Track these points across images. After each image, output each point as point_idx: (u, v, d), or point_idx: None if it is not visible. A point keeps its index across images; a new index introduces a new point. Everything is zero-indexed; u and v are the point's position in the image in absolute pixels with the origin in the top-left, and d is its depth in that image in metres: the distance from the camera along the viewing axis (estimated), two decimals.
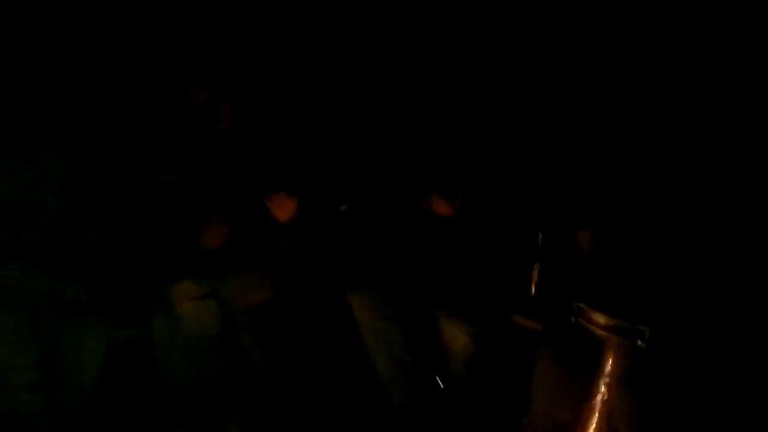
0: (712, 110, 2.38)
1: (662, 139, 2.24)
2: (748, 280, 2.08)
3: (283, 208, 2.35)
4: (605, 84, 2.55)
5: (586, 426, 1.95)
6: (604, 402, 1.96)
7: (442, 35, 2.69)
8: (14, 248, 2.10)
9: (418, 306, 2.44)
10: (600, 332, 1.97)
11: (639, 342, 1.91)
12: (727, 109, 2.37)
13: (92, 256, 2.22)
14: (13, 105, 2.20)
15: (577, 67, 2.64)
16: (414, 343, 2.42)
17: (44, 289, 2.10)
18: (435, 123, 2.53)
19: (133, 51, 2.61)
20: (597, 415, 1.96)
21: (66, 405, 2.10)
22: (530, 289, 2.43)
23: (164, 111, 2.53)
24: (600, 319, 1.97)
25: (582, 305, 2.01)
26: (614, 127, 2.37)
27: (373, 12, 2.80)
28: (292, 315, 2.53)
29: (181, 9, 2.69)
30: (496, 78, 2.57)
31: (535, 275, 2.45)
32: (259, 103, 2.55)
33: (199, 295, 2.38)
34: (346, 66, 2.80)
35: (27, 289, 2.05)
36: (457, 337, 2.33)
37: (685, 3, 2.47)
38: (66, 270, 2.15)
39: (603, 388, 1.97)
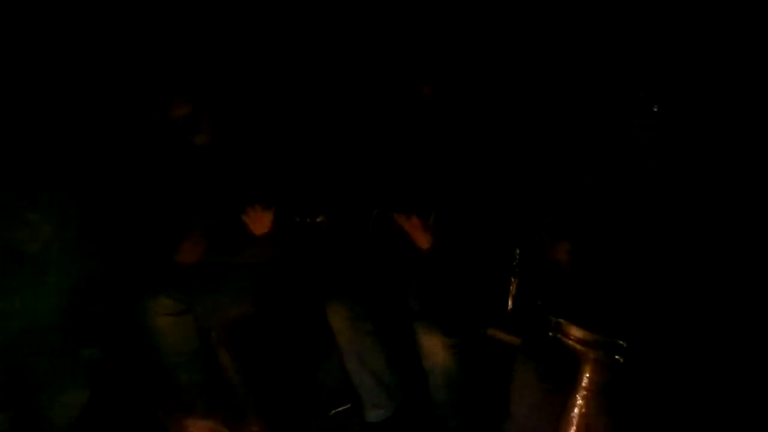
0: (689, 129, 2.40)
1: (638, 154, 2.24)
2: (726, 293, 2.09)
3: (260, 222, 2.33)
4: (577, 102, 2.56)
5: None
6: (581, 415, 1.96)
7: (415, 50, 2.69)
8: None
9: (397, 318, 2.43)
10: (577, 346, 1.97)
11: (616, 356, 1.91)
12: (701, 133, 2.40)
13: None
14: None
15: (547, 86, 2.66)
16: (393, 357, 2.41)
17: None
18: (409, 136, 2.52)
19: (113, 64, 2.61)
20: (575, 428, 1.96)
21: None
22: (508, 302, 2.43)
23: (144, 125, 2.52)
24: (577, 333, 1.96)
25: (559, 319, 2.02)
26: (588, 143, 2.38)
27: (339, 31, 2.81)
28: (270, 329, 2.51)
29: (162, 23, 2.69)
30: (471, 92, 2.57)
31: (513, 289, 2.45)
32: (236, 116, 2.54)
33: (176, 311, 2.36)
34: (320, 80, 2.80)
35: None
36: (436, 350, 2.32)
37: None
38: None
39: (580, 402, 1.96)
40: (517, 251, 2.48)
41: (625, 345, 1.90)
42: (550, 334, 2.03)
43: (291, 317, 2.55)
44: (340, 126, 2.72)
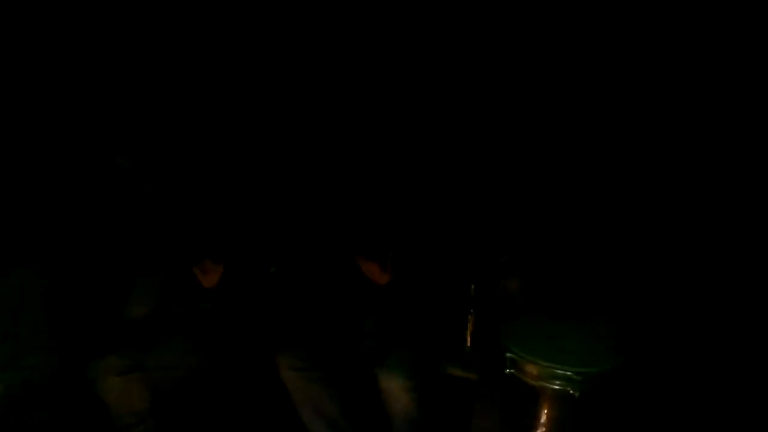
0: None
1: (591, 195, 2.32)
2: (681, 324, 2.15)
3: (210, 274, 2.29)
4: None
5: None
6: None
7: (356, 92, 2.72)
8: None
9: (354, 364, 2.40)
10: (533, 382, 1.99)
11: (571, 390, 1.93)
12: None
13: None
14: None
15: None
16: (349, 403, 2.38)
17: None
18: (360, 181, 2.53)
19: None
20: None
21: None
22: (465, 339, 2.44)
23: (88, 180, 2.47)
24: (533, 369, 1.99)
25: (515, 356, 2.03)
26: (535, 180, 2.44)
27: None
28: (221, 382, 2.45)
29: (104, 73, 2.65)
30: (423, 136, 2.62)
31: (470, 325, 2.45)
32: (183, 168, 2.51)
33: (125, 369, 2.29)
34: (271, 129, 2.78)
35: None
36: (397, 393, 2.30)
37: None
38: None
39: None
40: (473, 287, 2.49)
41: (581, 379, 1.93)
42: (507, 371, 2.05)
43: (242, 369, 2.49)
44: (291, 174, 2.70)
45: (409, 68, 2.74)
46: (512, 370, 2.04)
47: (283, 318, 2.49)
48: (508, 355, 2.05)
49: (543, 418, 1.99)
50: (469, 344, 2.42)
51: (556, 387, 1.95)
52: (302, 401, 2.36)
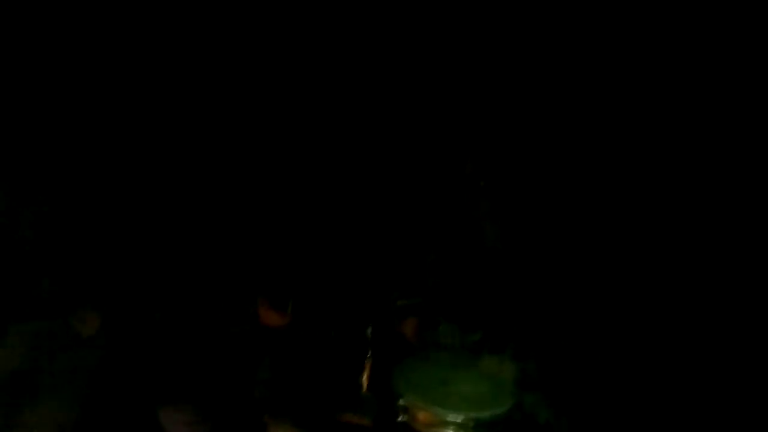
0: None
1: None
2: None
3: (87, 324, 2.14)
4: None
5: None
6: None
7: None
8: None
9: (244, 414, 2.29)
10: (426, 429, 1.96)
11: None
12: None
13: None
14: None
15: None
16: None
17: None
18: (251, 226, 2.47)
19: None
20: None
21: None
22: (362, 384, 2.38)
23: None
24: (424, 416, 1.96)
25: (407, 402, 2.00)
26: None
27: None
28: None
29: None
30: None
31: (366, 370, 2.41)
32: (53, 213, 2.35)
33: None
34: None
35: None
36: None
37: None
38: None
39: None
40: (369, 331, 2.45)
41: (473, 425, 1.91)
42: (399, 419, 2.01)
43: (124, 423, 2.33)
44: (180, 218, 2.59)
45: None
46: (404, 418, 1.99)
47: (168, 369, 2.35)
48: (400, 402, 2.01)
49: None
50: (365, 389, 2.38)
51: None
52: None
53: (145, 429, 2.29)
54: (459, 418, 1.92)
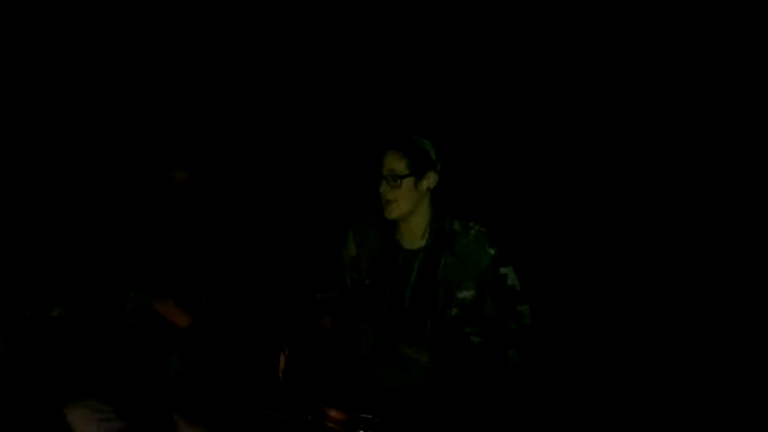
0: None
1: None
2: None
3: None
4: None
5: None
6: None
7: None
8: None
9: (154, 413, 2.22)
10: (336, 428, 1.93)
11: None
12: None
13: None
14: None
15: None
16: None
17: None
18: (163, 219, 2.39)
19: None
20: None
21: None
22: (277, 378, 2.34)
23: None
24: (335, 414, 1.93)
25: (319, 400, 1.97)
26: None
27: None
28: None
29: None
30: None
31: (282, 363, 2.36)
32: None
33: None
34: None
35: None
36: None
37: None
38: None
39: None
40: (286, 325, 2.41)
41: (381, 422, 1.90)
42: (309, 417, 1.98)
43: (25, 425, 2.22)
44: (83, 208, 2.49)
45: None
46: (314, 416, 1.96)
47: (72, 366, 2.25)
48: (313, 400, 1.98)
49: None
50: (280, 382, 2.33)
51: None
52: None
53: (50, 429, 2.20)
54: (369, 415, 1.90)
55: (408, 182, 2.12)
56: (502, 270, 2.13)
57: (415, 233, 2.20)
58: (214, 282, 2.32)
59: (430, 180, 2.16)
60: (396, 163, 2.12)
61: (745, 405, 2.60)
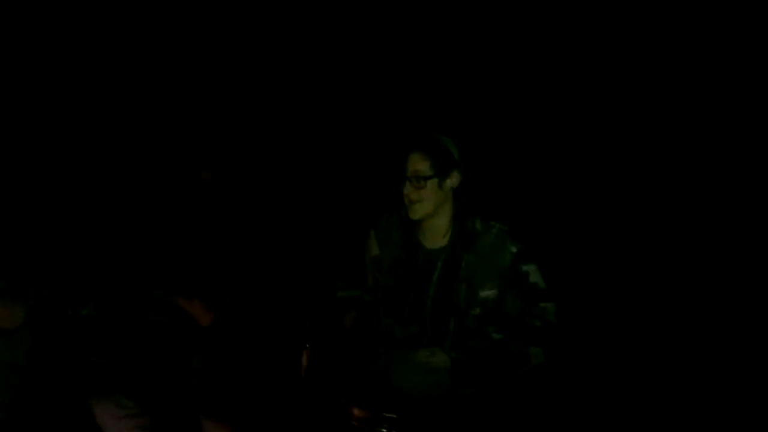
0: None
1: None
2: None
3: (8, 315, 2.06)
4: None
5: None
6: None
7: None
8: None
9: (178, 410, 2.25)
10: (359, 425, 1.95)
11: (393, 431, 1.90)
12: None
13: None
14: None
15: None
16: None
17: None
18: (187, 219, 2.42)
19: None
20: None
21: None
22: (300, 375, 2.36)
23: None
24: (358, 413, 1.94)
25: (343, 399, 1.98)
26: None
27: None
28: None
29: None
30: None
31: (304, 360, 2.38)
32: None
33: None
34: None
35: None
36: None
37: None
38: None
39: None
40: (308, 322, 2.42)
41: (402, 420, 1.91)
42: (335, 413, 1.99)
43: (53, 418, 2.26)
44: (111, 210, 2.54)
45: None
46: (340, 414, 1.98)
47: (100, 362, 2.29)
48: (336, 398, 1.99)
49: None
50: (303, 380, 2.35)
51: (378, 429, 1.92)
52: None
53: (78, 422, 2.24)
54: (393, 414, 1.91)
55: (432, 183, 2.13)
56: (524, 267, 2.13)
57: (437, 233, 2.21)
58: (238, 280, 2.35)
59: (453, 180, 2.17)
60: (420, 165, 2.13)
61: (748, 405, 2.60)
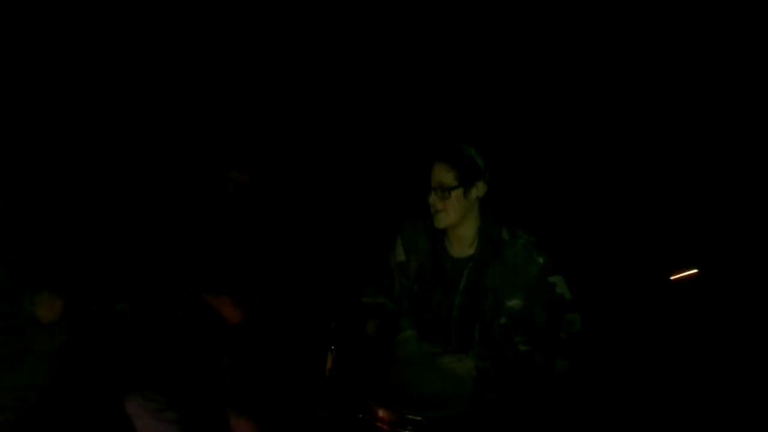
0: None
1: None
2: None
3: (47, 309, 2.12)
4: None
5: None
6: None
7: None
8: None
9: (207, 405, 2.30)
10: (383, 426, 1.98)
11: None
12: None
13: None
14: None
15: None
16: None
17: None
18: (220, 218, 2.47)
19: None
20: None
21: None
22: (324, 377, 2.40)
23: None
24: (383, 414, 1.98)
25: (368, 400, 2.01)
26: None
27: None
28: (62, 424, 2.28)
29: None
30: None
31: (329, 362, 2.42)
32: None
33: None
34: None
35: None
36: None
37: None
38: None
39: None
40: (333, 324, 2.46)
41: (427, 422, 1.94)
42: (360, 415, 2.02)
43: (87, 410, 2.32)
44: (146, 208, 2.60)
45: None
46: (364, 415, 2.01)
47: (134, 357, 2.35)
48: (362, 399, 2.03)
49: None
50: (327, 381, 2.39)
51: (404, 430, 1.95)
52: None
53: (109, 415, 2.30)
54: (418, 417, 1.94)
55: (457, 193, 2.15)
56: (551, 279, 2.16)
57: (464, 241, 2.24)
58: (267, 281, 2.40)
59: (479, 189, 2.19)
60: (444, 175, 2.16)
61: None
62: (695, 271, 2.83)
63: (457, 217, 2.19)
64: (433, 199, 2.18)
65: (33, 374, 2.21)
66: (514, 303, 2.16)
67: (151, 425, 2.20)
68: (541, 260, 2.16)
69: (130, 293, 2.34)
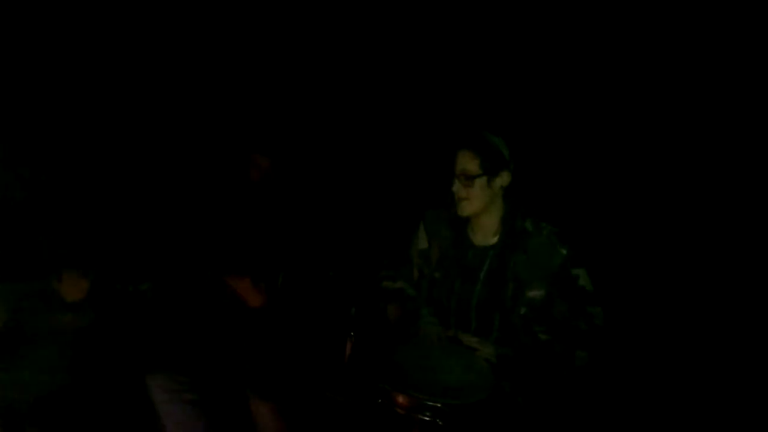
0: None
1: None
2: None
3: (73, 288, 2.15)
4: None
5: None
6: None
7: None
8: None
9: (227, 387, 2.32)
10: (401, 411, 1.99)
11: (437, 420, 1.93)
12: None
13: None
14: None
15: None
16: (219, 427, 2.30)
17: None
18: (245, 202, 2.49)
19: None
20: None
21: None
22: (343, 362, 2.41)
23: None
24: (403, 400, 1.98)
25: (386, 386, 2.02)
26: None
27: None
28: (84, 402, 2.31)
29: None
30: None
31: (348, 348, 2.43)
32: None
33: None
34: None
35: None
36: (267, 417, 2.25)
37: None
38: None
39: None
40: (353, 310, 2.47)
41: (448, 411, 1.94)
42: (379, 401, 2.03)
43: (108, 389, 2.36)
44: (170, 191, 2.63)
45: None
46: (383, 400, 2.02)
47: (155, 337, 2.38)
48: (381, 384, 2.03)
49: None
50: (346, 367, 2.40)
51: (426, 418, 1.95)
52: (171, 423, 2.26)
53: (132, 396, 2.33)
54: (437, 403, 1.95)
55: (481, 181, 2.15)
56: (574, 271, 2.15)
57: (487, 230, 2.24)
58: (289, 266, 2.41)
59: (503, 179, 2.19)
60: (469, 163, 2.15)
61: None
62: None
63: (481, 206, 2.18)
64: (456, 186, 2.18)
65: (57, 353, 2.25)
66: (535, 293, 2.15)
67: (171, 406, 2.23)
68: (564, 251, 2.15)
69: (153, 274, 2.37)
